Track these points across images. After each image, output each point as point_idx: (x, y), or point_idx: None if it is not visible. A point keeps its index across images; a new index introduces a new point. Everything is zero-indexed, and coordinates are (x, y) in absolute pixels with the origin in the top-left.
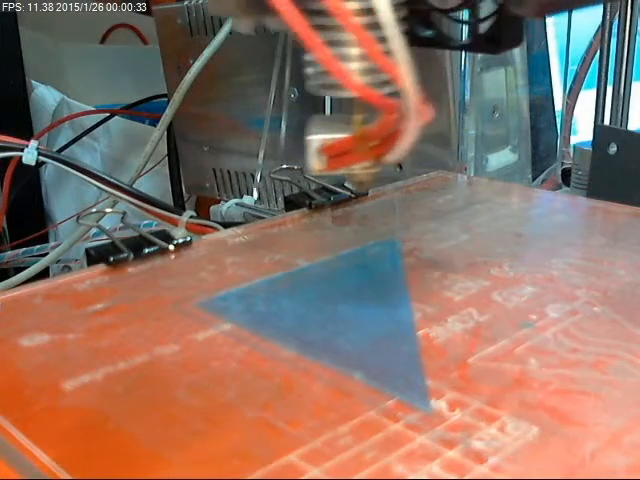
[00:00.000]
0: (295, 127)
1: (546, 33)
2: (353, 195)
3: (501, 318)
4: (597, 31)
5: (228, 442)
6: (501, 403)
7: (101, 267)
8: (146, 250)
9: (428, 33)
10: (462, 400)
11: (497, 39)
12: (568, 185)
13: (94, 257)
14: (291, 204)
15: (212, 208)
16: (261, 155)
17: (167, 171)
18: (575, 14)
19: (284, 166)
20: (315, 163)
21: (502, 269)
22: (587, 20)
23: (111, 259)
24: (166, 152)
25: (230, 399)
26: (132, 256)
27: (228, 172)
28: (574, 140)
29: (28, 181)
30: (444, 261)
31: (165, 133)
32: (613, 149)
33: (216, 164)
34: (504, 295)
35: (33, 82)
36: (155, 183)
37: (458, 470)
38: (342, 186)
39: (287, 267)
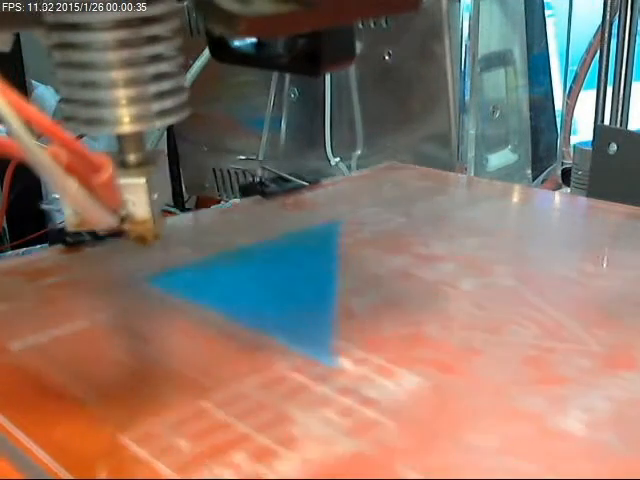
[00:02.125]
0: (295, 127)
1: (546, 33)
2: (306, 184)
3: (417, 289)
4: (597, 31)
5: (152, 393)
6: (401, 361)
7: (61, 247)
8: (100, 233)
9: (246, 49)
10: (367, 358)
11: (317, 59)
12: (568, 185)
13: (55, 238)
14: (247, 192)
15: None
16: (261, 155)
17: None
18: (575, 14)
19: (242, 157)
20: (70, 218)
21: (428, 248)
22: (587, 20)
23: (69, 240)
24: (166, 152)
25: (158, 357)
26: (89, 237)
27: (228, 172)
28: (574, 140)
29: (28, 181)
30: (377, 241)
31: (165, 133)
32: (613, 149)
33: (216, 164)
34: (424, 270)
35: (33, 82)
36: None
37: (349, 414)
38: (297, 176)
39: (230, 247)
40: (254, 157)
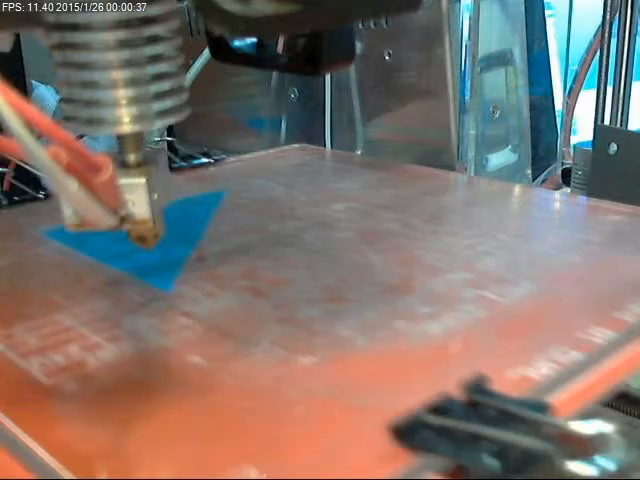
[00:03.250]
0: (295, 127)
1: (546, 33)
2: (212, 160)
3: (266, 239)
4: (597, 31)
5: (20, 309)
6: (226, 288)
7: None
8: (15, 198)
9: (246, 49)
10: (202, 285)
11: (316, 59)
12: (568, 185)
13: None
14: None
15: None
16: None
17: None
18: (575, 14)
19: (157, 139)
20: (70, 218)
21: (292, 211)
22: (587, 20)
23: None
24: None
25: (34, 287)
26: (5, 201)
27: None
28: (574, 140)
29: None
30: (250, 205)
31: (165, 133)
32: (613, 149)
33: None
34: (275, 223)
35: (33, 82)
36: None
37: (168, 322)
38: (206, 154)
39: None
40: (169, 138)
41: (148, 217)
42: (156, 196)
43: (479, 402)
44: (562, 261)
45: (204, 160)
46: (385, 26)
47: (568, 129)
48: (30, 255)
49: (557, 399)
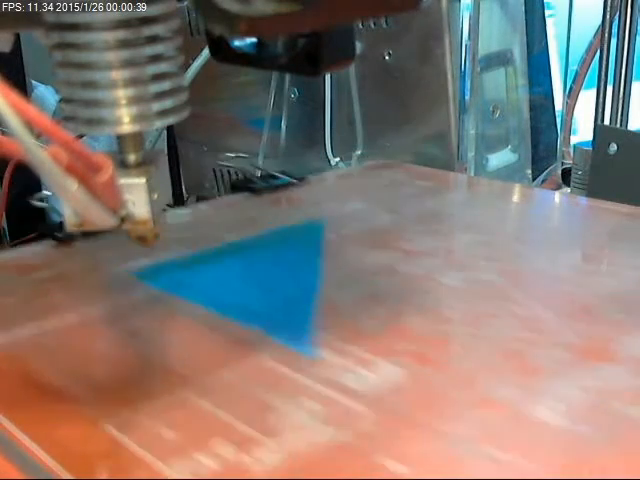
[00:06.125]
0: (295, 127)
1: (546, 33)
2: (294, 181)
3: (401, 285)
4: (597, 31)
5: (137, 383)
6: (377, 350)
7: (51, 242)
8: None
9: (246, 49)
10: (345, 348)
11: (316, 58)
12: (568, 185)
13: (45, 233)
14: (236, 189)
15: None
16: (261, 155)
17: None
18: (575, 14)
19: (232, 155)
20: (70, 218)
21: (413, 244)
22: (587, 20)
23: (59, 235)
24: (166, 152)
25: (142, 349)
26: (79, 233)
27: (228, 172)
28: (574, 140)
29: (28, 180)
30: (363, 238)
31: (165, 133)
32: (613, 149)
33: (216, 164)
34: (408, 266)
35: (33, 82)
36: None
37: (326, 403)
38: (286, 174)
39: (217, 242)
40: (245, 155)
41: (148, 217)
42: (156, 196)
43: None
44: None
45: (284, 179)
46: (385, 26)
47: (568, 129)
48: (127, 304)
49: None
